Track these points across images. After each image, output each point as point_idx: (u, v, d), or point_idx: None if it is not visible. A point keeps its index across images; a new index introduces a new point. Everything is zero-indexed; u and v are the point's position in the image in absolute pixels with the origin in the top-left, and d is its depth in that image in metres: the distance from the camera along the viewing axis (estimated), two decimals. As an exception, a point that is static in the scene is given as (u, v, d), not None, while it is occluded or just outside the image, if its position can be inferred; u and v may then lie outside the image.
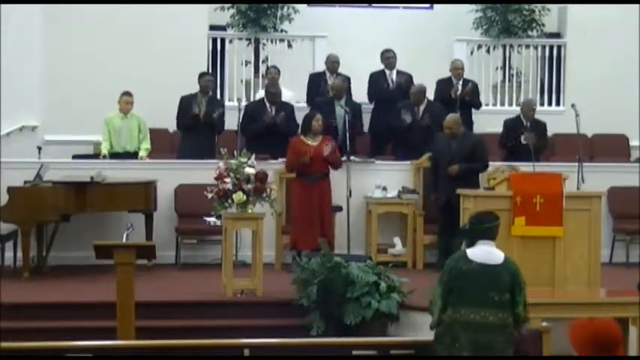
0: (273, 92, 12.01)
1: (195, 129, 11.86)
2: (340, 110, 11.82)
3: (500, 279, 6.34)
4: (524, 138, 11.77)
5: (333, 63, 12.88)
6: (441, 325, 6.43)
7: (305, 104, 12.80)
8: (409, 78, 12.79)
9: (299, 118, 11.53)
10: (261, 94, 12.60)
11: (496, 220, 6.57)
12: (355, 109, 12.04)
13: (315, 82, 12.90)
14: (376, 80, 12.92)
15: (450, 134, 10.71)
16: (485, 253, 6.40)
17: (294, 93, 12.86)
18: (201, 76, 12.10)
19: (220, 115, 11.97)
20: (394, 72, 12.94)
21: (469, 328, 6.26)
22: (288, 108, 12.12)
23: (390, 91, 12.77)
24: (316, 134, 10.68)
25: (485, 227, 6.46)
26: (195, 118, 11.77)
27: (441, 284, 6.46)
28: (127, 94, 11.85)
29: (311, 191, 10.56)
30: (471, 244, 6.48)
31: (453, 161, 10.54)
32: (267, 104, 11.97)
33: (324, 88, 12.63)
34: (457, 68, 12.94)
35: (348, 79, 12.60)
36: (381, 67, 13.00)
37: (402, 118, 11.85)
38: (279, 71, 12.76)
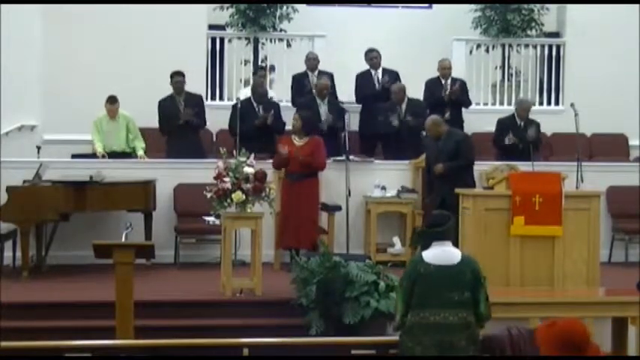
0: (260, 92, 12.09)
1: (177, 131, 11.85)
2: (324, 109, 11.88)
3: (459, 278, 6.28)
4: (507, 139, 11.78)
5: (311, 60, 12.89)
6: (401, 329, 6.41)
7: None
8: (396, 76, 12.76)
9: (284, 117, 11.70)
10: (244, 93, 12.64)
11: (449, 221, 6.50)
12: (339, 110, 12.04)
13: (299, 81, 12.91)
14: (362, 81, 12.91)
15: (434, 136, 10.69)
16: (440, 253, 6.35)
17: (275, 92, 12.89)
18: (172, 76, 11.97)
19: (198, 113, 11.94)
20: (379, 71, 12.92)
21: (430, 330, 6.22)
22: (275, 107, 12.16)
23: (377, 91, 12.74)
24: (300, 133, 10.70)
25: (436, 230, 6.42)
26: (184, 124, 11.79)
27: (401, 289, 6.43)
28: (109, 100, 11.88)
29: (293, 190, 10.59)
30: (426, 246, 6.45)
31: (438, 161, 10.51)
32: (255, 104, 11.98)
33: (308, 87, 12.64)
34: (445, 68, 12.91)
35: (331, 77, 12.60)
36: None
37: (390, 121, 11.86)
38: (266, 72, 12.77)
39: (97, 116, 11.96)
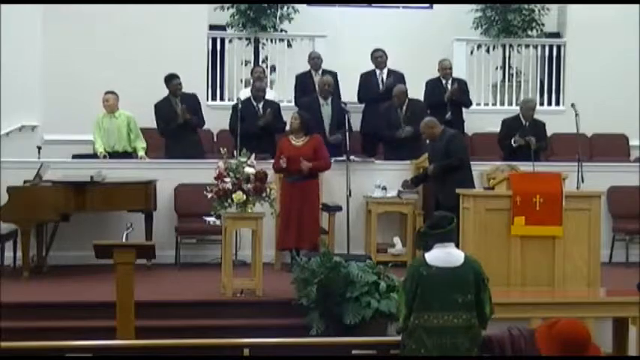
0: (258, 87, 12.01)
1: (176, 132, 11.82)
2: (327, 109, 11.84)
3: (462, 280, 6.24)
4: (514, 141, 11.77)
5: (314, 60, 12.87)
6: (404, 332, 6.38)
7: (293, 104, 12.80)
8: (400, 77, 12.75)
9: (285, 117, 11.65)
10: (244, 93, 12.60)
11: (451, 224, 6.44)
12: (340, 110, 12.02)
13: (302, 81, 12.88)
14: (366, 81, 12.89)
15: (429, 137, 10.68)
16: (443, 255, 6.30)
17: (277, 93, 12.86)
18: (171, 79, 11.91)
19: (195, 112, 11.90)
20: (385, 71, 12.91)
21: (433, 333, 6.18)
22: (275, 106, 12.12)
23: (380, 92, 12.72)
24: (298, 133, 10.69)
25: (438, 232, 6.38)
26: (183, 123, 11.75)
27: (404, 291, 6.36)
28: (107, 92, 11.85)
29: (292, 191, 10.57)
30: (428, 248, 6.41)
31: (432, 161, 10.53)
32: (254, 102, 11.94)
33: (311, 86, 12.60)
34: (445, 68, 12.91)
35: (335, 76, 12.57)
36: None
37: (400, 131, 11.79)
38: (264, 70, 12.76)
39: (97, 116, 11.91)
